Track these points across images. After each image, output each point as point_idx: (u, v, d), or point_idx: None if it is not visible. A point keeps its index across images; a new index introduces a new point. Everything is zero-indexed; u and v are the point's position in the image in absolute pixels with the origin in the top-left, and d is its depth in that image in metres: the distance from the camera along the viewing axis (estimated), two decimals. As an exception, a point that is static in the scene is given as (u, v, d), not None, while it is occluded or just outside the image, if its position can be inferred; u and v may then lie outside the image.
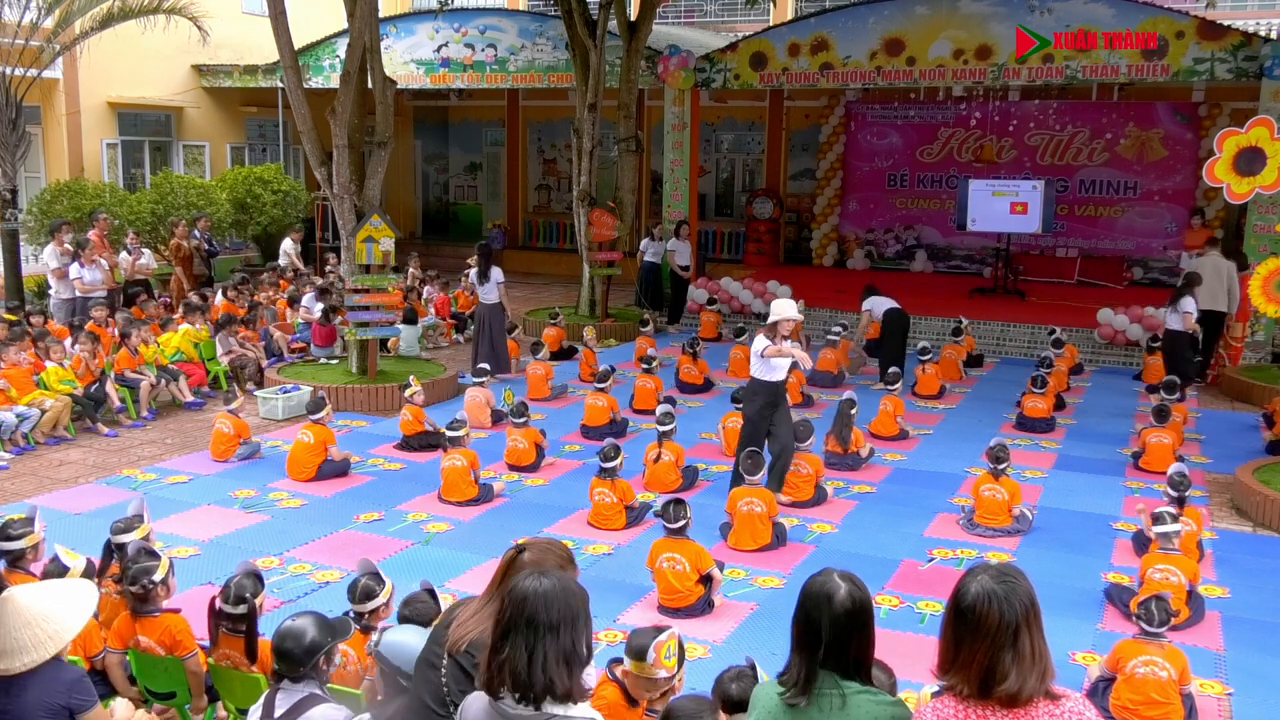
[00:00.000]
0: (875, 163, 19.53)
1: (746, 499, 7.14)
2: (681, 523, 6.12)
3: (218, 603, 4.53)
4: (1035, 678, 2.44)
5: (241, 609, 4.47)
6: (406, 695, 3.23)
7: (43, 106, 17.38)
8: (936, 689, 2.60)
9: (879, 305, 11.98)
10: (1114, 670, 4.99)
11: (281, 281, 14.92)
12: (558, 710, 2.51)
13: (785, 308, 7.80)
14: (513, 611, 2.56)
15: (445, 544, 7.28)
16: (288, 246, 16.87)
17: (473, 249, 18.18)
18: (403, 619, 4.38)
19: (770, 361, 7.78)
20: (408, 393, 9.64)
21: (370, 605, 4.64)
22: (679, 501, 6.25)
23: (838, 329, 12.57)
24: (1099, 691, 5.08)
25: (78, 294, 12.69)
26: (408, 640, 3.31)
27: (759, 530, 7.14)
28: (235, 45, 19.52)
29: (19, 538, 5.14)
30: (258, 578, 4.64)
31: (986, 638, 2.44)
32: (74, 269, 12.63)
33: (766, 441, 7.95)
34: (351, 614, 4.67)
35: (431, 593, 4.50)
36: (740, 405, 8.65)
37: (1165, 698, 4.86)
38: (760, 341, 7.77)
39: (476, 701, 2.65)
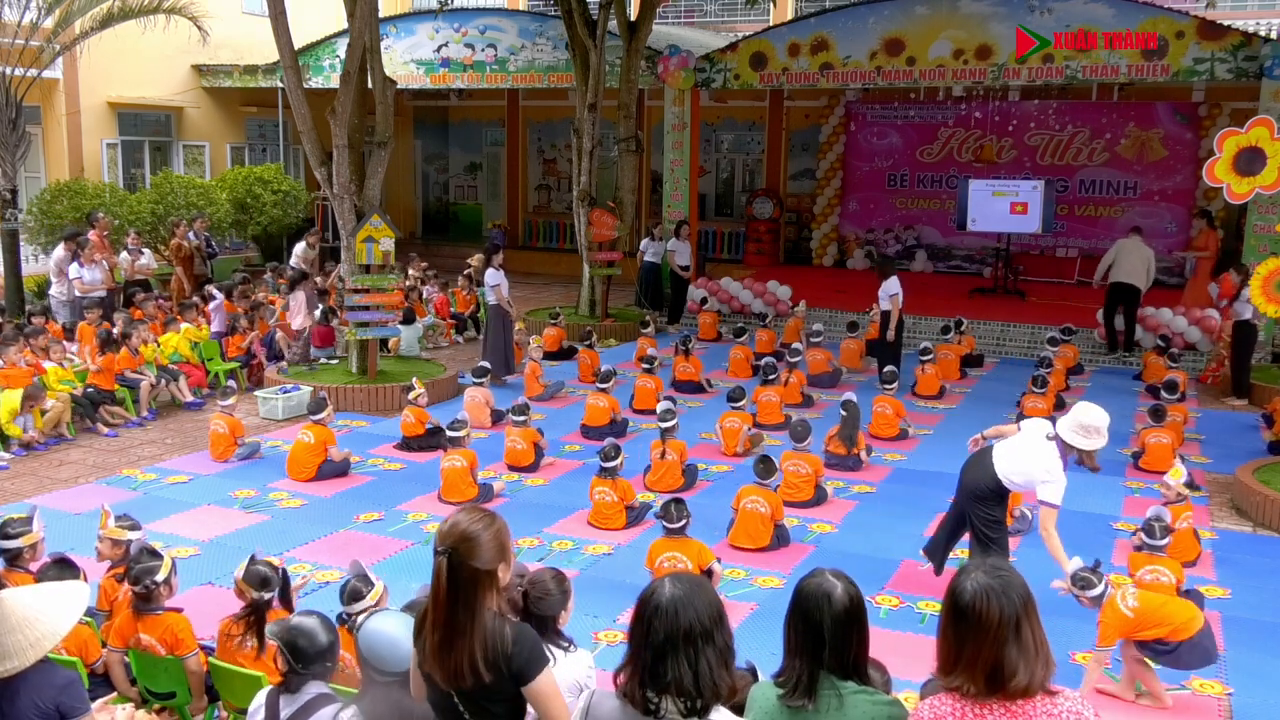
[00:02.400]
0: (875, 163, 19.53)
1: (752, 497, 7.15)
2: (682, 522, 6.13)
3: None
4: (1041, 668, 2.44)
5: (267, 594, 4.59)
6: (385, 688, 3.20)
7: (43, 106, 17.38)
8: (940, 693, 2.58)
9: (898, 288, 11.78)
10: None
11: (281, 280, 14.90)
12: (725, 714, 2.50)
13: (1099, 425, 5.50)
14: (667, 629, 2.48)
15: (445, 544, 7.26)
16: (301, 251, 16.58)
17: (472, 249, 18.29)
18: None
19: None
20: (411, 395, 9.63)
21: (358, 606, 4.62)
22: (679, 501, 6.25)
23: (818, 327, 12.63)
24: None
25: (76, 294, 12.69)
26: (387, 629, 3.23)
27: (759, 530, 7.13)
28: (235, 45, 19.52)
29: (16, 536, 5.15)
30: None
31: (989, 634, 2.44)
32: (73, 269, 12.64)
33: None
34: (344, 614, 4.66)
35: None
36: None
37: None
38: (1050, 481, 5.51)
39: (607, 701, 2.60)
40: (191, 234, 15.00)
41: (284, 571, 4.82)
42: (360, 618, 3.21)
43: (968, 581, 2.52)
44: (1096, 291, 15.97)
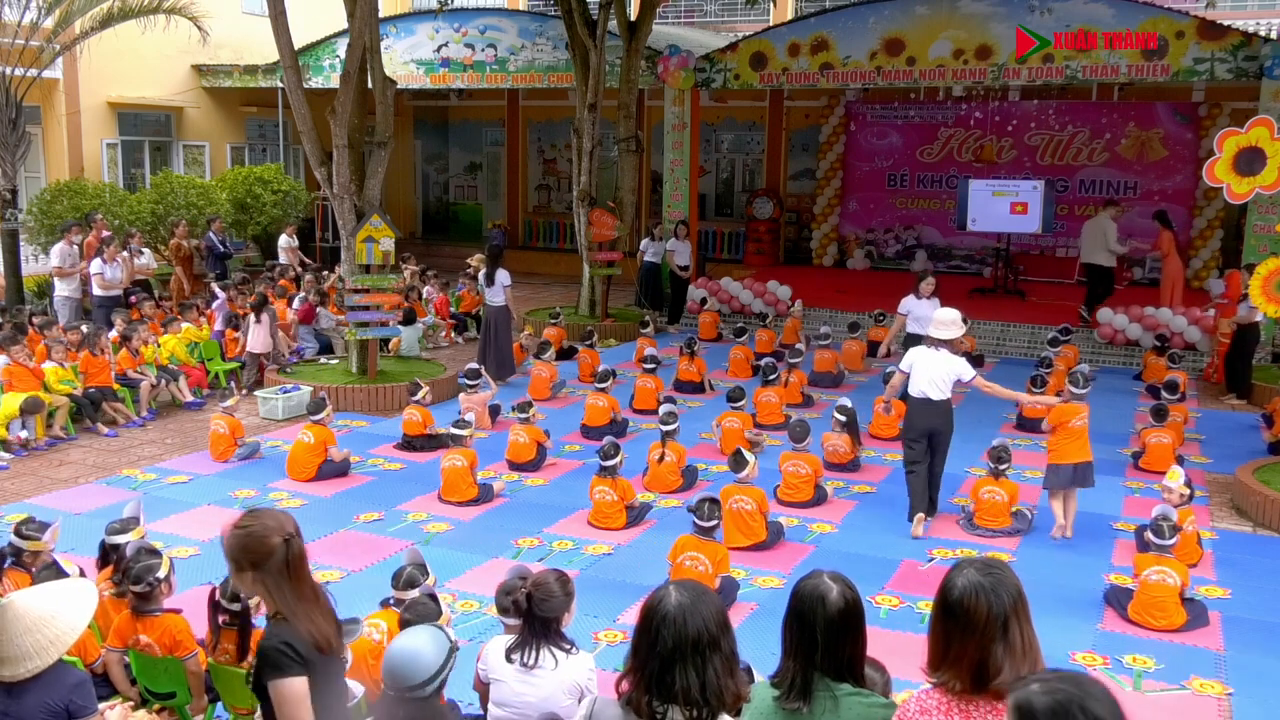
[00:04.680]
0: (875, 163, 19.53)
1: (736, 496, 7.14)
2: (714, 522, 6.12)
3: (216, 594, 4.55)
4: (1028, 668, 2.42)
5: (236, 606, 4.49)
6: (395, 704, 3.22)
7: (43, 106, 17.38)
8: (928, 688, 2.58)
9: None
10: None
11: (283, 281, 14.90)
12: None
13: (947, 318, 7.47)
14: (675, 637, 2.47)
15: (445, 544, 7.27)
16: (284, 243, 16.93)
17: (472, 249, 18.29)
18: (403, 623, 4.38)
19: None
20: (419, 394, 9.55)
21: (412, 594, 4.68)
22: (714, 500, 6.22)
23: (826, 329, 12.60)
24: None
25: (97, 291, 12.61)
26: (410, 644, 3.25)
27: (751, 527, 7.13)
28: (235, 45, 19.52)
29: (27, 539, 5.21)
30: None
31: (976, 632, 2.43)
32: (95, 264, 12.61)
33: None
34: (391, 600, 4.77)
35: (433, 596, 4.50)
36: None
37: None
38: (964, 367, 7.42)
39: (609, 709, 2.60)
40: (211, 234, 15.03)
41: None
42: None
43: (959, 578, 2.51)
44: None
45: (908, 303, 10.39)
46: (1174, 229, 14.09)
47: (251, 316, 11.67)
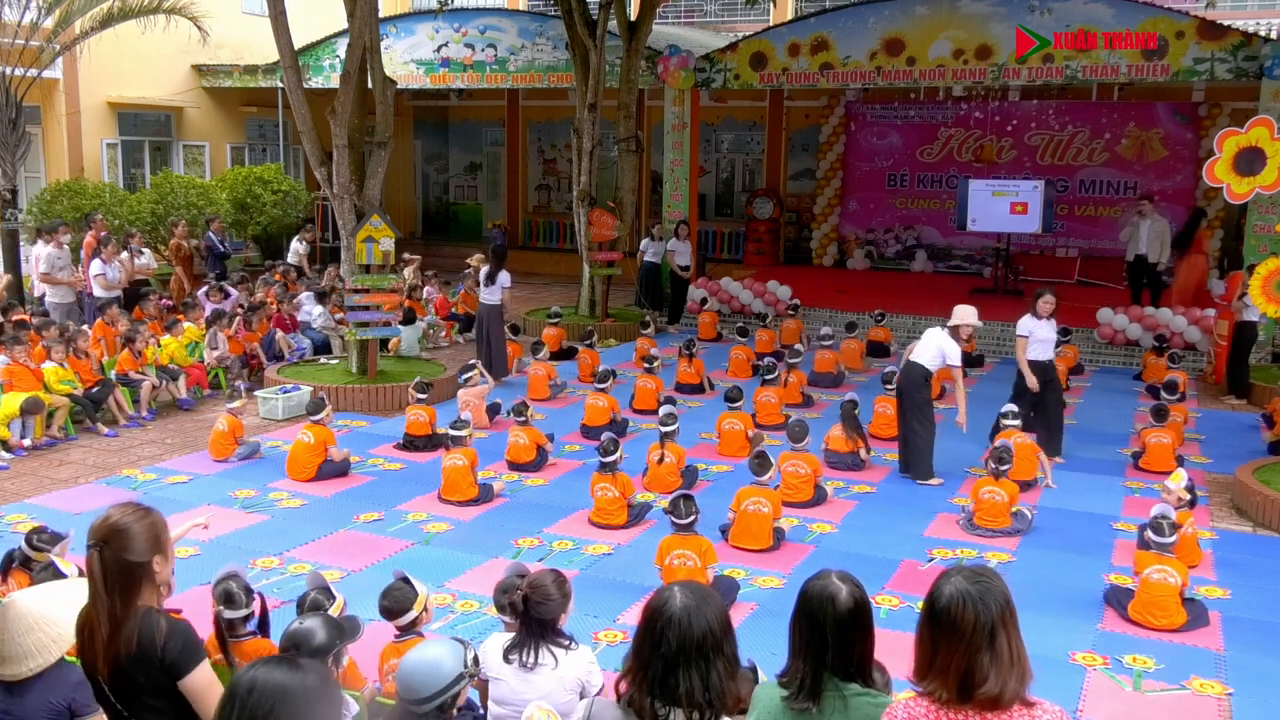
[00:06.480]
0: (875, 163, 19.54)
1: (754, 498, 7.13)
2: (691, 518, 6.13)
3: (223, 614, 4.47)
4: (1015, 679, 2.40)
5: (243, 612, 4.44)
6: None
7: (43, 106, 17.38)
8: (915, 695, 2.57)
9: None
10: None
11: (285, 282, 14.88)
12: None
13: (964, 311, 8.58)
14: (680, 639, 2.46)
15: (445, 544, 7.27)
16: (298, 247, 16.91)
17: (472, 249, 18.28)
18: (383, 610, 4.37)
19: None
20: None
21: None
22: (688, 497, 6.23)
23: (827, 330, 12.58)
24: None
25: (99, 292, 12.59)
26: (429, 655, 3.22)
27: (762, 530, 7.12)
28: (235, 45, 19.52)
29: (36, 549, 5.28)
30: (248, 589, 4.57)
31: (963, 640, 2.40)
32: (95, 265, 12.60)
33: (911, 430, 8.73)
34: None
35: (406, 580, 4.47)
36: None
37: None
38: (955, 353, 8.45)
39: (608, 711, 2.60)
40: (211, 234, 15.03)
41: (262, 599, 4.58)
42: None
43: (946, 586, 2.47)
44: (1096, 291, 16.05)
45: (1026, 323, 9.32)
46: (1197, 230, 13.97)
47: (211, 332, 11.69)
